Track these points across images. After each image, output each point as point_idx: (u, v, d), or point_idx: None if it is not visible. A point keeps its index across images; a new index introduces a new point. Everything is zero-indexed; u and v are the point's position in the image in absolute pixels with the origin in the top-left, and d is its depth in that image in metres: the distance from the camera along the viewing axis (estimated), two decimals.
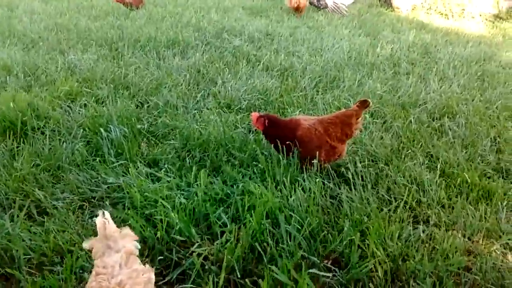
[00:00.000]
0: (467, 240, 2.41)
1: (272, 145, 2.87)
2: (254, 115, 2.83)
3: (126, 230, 1.78)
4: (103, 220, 1.69)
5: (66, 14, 6.71)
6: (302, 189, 2.61)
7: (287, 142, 2.78)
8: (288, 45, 5.45)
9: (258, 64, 4.72)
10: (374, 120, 3.61)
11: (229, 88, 4.05)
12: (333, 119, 2.90)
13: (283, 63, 4.75)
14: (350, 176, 2.80)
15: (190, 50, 5.18)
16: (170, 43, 5.33)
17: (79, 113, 3.54)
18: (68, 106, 3.66)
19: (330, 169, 2.89)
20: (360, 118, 2.93)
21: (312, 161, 2.77)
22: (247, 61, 4.83)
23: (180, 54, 5.03)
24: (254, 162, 2.90)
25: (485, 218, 2.56)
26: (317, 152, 2.75)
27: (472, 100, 4.04)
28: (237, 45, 5.32)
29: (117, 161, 2.90)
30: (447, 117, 3.71)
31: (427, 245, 2.34)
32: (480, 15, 7.68)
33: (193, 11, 7.19)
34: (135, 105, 3.76)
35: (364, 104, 2.91)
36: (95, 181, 2.72)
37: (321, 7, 7.59)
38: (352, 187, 2.71)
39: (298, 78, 4.37)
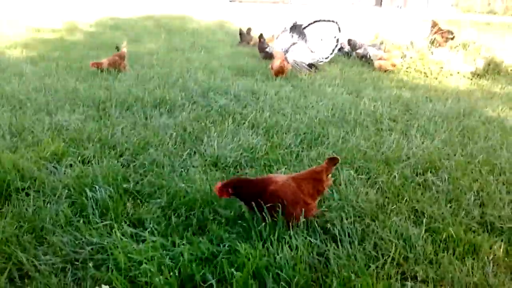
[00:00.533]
0: None
1: (246, 205, 2.87)
2: (217, 186, 2.81)
3: None
4: None
5: (54, 75, 6.82)
6: (289, 246, 2.60)
7: (259, 200, 2.77)
8: (273, 103, 5.57)
9: (244, 122, 4.80)
10: (359, 176, 3.65)
11: (215, 146, 4.09)
12: (304, 175, 2.94)
13: (269, 121, 4.84)
14: (337, 233, 2.80)
15: (177, 109, 5.26)
16: (157, 103, 5.42)
17: (64, 173, 3.53)
18: (53, 166, 3.65)
19: (317, 226, 2.89)
20: (330, 175, 2.98)
21: (290, 218, 2.77)
22: (233, 119, 4.92)
23: (167, 113, 5.10)
24: (240, 221, 2.89)
25: (472, 273, 2.55)
26: (294, 208, 2.77)
27: (454, 155, 4.13)
28: (223, 104, 5.43)
29: (102, 222, 2.87)
30: (430, 172, 3.76)
31: None
32: (458, 73, 7.96)
33: (180, 71, 7.37)
34: (121, 164, 3.76)
35: (333, 161, 2.95)
36: (78, 242, 2.68)
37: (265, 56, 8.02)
38: (339, 243, 2.70)
39: (283, 136, 4.45)
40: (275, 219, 2.77)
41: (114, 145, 4.12)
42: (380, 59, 8.05)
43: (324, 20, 8.10)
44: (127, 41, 9.23)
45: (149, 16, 19.24)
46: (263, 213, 2.77)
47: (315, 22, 8.04)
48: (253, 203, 2.78)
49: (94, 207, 3.02)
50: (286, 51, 7.84)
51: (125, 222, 2.90)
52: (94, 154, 3.89)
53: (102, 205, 3.06)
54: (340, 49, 9.31)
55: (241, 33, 11.23)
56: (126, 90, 5.92)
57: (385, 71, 7.87)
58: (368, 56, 8.70)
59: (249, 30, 11.36)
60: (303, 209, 2.80)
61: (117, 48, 9.29)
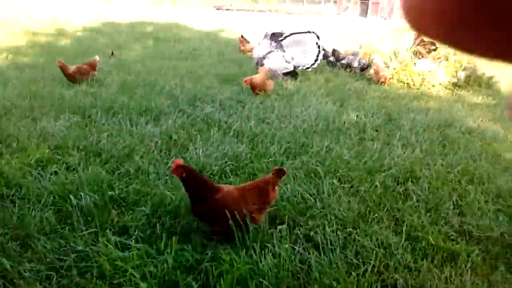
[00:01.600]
0: None
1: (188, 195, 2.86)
2: (177, 163, 2.77)
3: None
4: None
5: (40, 81, 6.80)
6: (272, 254, 2.65)
7: (203, 204, 2.79)
8: (259, 112, 5.63)
9: (229, 131, 4.85)
10: (342, 185, 3.72)
11: (201, 154, 4.13)
12: (250, 186, 2.95)
13: (254, 130, 4.89)
14: (319, 240, 2.85)
15: (163, 117, 5.29)
16: (143, 110, 5.44)
17: (49, 180, 3.53)
18: (38, 173, 3.66)
19: (300, 234, 2.94)
20: (276, 187, 2.99)
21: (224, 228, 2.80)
22: (218, 127, 4.96)
23: (152, 121, 5.13)
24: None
25: (450, 280, 2.62)
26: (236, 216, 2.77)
27: (434, 165, 4.22)
28: (209, 112, 5.47)
29: (87, 229, 2.89)
30: (411, 181, 3.84)
31: None
32: (440, 84, 8.11)
33: (167, 79, 7.40)
34: (107, 171, 3.78)
35: (280, 173, 2.96)
36: (63, 249, 2.70)
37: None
38: (322, 251, 2.76)
39: (268, 144, 4.50)
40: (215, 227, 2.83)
41: (99, 152, 4.13)
42: (382, 71, 8.10)
43: (302, 32, 8.19)
44: (114, 49, 9.27)
45: (137, 22, 19.26)
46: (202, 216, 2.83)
47: (291, 34, 8.13)
48: (192, 198, 2.81)
49: (79, 215, 3.03)
50: (263, 58, 7.93)
51: (110, 230, 2.92)
52: (79, 161, 3.90)
53: (87, 212, 3.08)
54: (326, 57, 9.44)
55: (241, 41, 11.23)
56: (111, 97, 5.93)
57: (382, 83, 7.94)
58: (353, 66, 8.86)
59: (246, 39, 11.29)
60: (245, 219, 2.79)
61: (112, 53, 9.32)
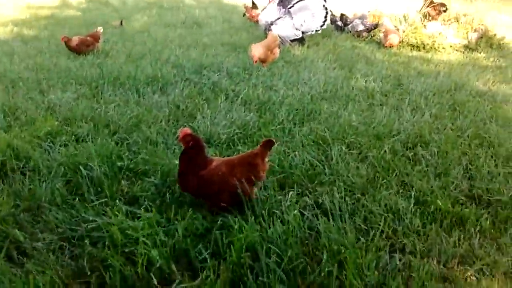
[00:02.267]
0: (442, 267, 2.47)
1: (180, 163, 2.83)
2: (185, 131, 2.74)
3: None
4: None
5: (46, 53, 6.78)
6: (281, 221, 2.66)
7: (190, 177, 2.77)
8: (266, 80, 5.58)
9: (237, 99, 4.82)
10: (350, 151, 3.71)
11: (208, 123, 4.12)
12: (239, 159, 2.88)
13: (261, 97, 4.86)
14: (328, 207, 2.86)
15: (170, 86, 5.26)
16: (150, 80, 5.41)
17: (59, 152, 3.56)
18: (48, 145, 3.68)
19: (308, 200, 2.96)
20: (266, 159, 2.89)
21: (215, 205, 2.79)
22: (225, 96, 4.94)
23: (159, 91, 5.11)
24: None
25: (459, 244, 2.64)
26: (220, 195, 2.76)
27: (444, 129, 4.18)
28: (216, 81, 5.43)
29: (97, 200, 2.92)
30: (420, 146, 3.82)
31: (403, 273, 2.39)
32: (451, 46, 7.96)
33: (173, 48, 7.33)
34: (115, 142, 3.79)
35: (268, 144, 2.86)
36: (74, 220, 2.73)
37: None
38: (330, 217, 2.77)
39: (275, 112, 4.47)
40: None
41: (107, 124, 4.14)
42: (389, 33, 7.94)
43: None
44: (119, 19, 9.18)
45: None
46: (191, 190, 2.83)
47: (299, 1, 7.94)
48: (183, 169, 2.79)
49: (89, 185, 3.06)
50: (271, 24, 7.80)
51: (120, 200, 2.95)
52: (88, 132, 3.92)
53: (97, 183, 3.10)
54: (333, 22, 9.28)
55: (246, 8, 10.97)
56: (118, 67, 5.90)
57: (391, 46, 7.81)
58: (358, 30, 8.73)
59: (254, 5, 10.99)
60: (232, 195, 2.76)
61: (121, 23, 9.23)
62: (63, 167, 3.29)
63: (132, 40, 8.03)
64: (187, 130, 2.77)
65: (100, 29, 7.08)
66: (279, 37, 7.50)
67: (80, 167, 3.22)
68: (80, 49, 6.72)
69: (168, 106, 4.60)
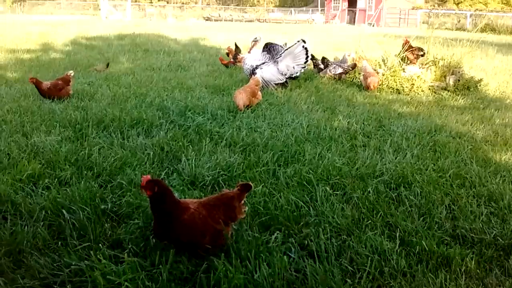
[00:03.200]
0: None
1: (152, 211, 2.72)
2: (146, 178, 2.61)
3: None
4: None
5: (30, 96, 6.77)
6: (267, 264, 2.64)
7: (166, 219, 2.66)
8: (250, 122, 5.64)
9: (221, 141, 4.85)
10: (335, 192, 3.73)
11: (193, 165, 4.13)
12: (215, 201, 2.82)
13: (245, 139, 4.90)
14: (314, 248, 2.86)
15: (154, 128, 5.29)
16: (134, 123, 5.43)
17: (41, 195, 3.51)
18: (30, 189, 3.63)
19: (294, 242, 2.95)
20: (243, 202, 2.89)
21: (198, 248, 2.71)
22: (210, 138, 4.97)
23: (144, 133, 5.12)
24: None
25: (445, 285, 2.63)
26: (203, 238, 2.69)
27: (426, 170, 4.24)
28: (201, 123, 5.47)
29: (80, 244, 2.87)
30: (403, 186, 3.87)
31: None
32: (429, 89, 8.19)
33: (157, 91, 7.41)
34: (99, 185, 3.76)
35: (245, 188, 2.87)
36: (57, 265, 2.67)
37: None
38: (316, 259, 2.76)
39: (260, 153, 4.50)
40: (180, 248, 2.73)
41: (91, 166, 4.12)
42: (369, 76, 8.11)
43: (292, 45, 8.21)
44: (104, 61, 9.28)
45: (126, 35, 19.28)
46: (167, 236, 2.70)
47: (285, 50, 8.16)
48: (157, 217, 2.67)
49: (72, 229, 3.01)
50: (256, 67, 7.96)
51: (104, 244, 2.90)
52: (71, 175, 3.89)
53: (80, 226, 3.06)
54: (316, 65, 9.51)
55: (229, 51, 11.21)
56: (102, 110, 5.92)
57: (369, 89, 7.97)
58: (337, 72, 8.97)
59: (237, 48, 11.17)
60: (214, 237, 2.72)
61: (107, 66, 9.31)
62: (45, 211, 3.24)
63: (117, 83, 8.09)
64: (147, 176, 2.65)
65: (71, 72, 6.86)
66: (264, 80, 7.66)
67: (63, 210, 3.18)
68: (51, 93, 6.52)
69: (152, 148, 4.61)
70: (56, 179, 3.82)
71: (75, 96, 6.76)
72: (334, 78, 9.01)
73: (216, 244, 2.75)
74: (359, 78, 8.75)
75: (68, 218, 3.10)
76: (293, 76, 8.17)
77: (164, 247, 2.83)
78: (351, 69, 9.08)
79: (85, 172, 3.98)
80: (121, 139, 4.88)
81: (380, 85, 8.19)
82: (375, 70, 8.57)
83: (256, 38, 8.57)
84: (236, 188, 2.89)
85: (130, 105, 6.29)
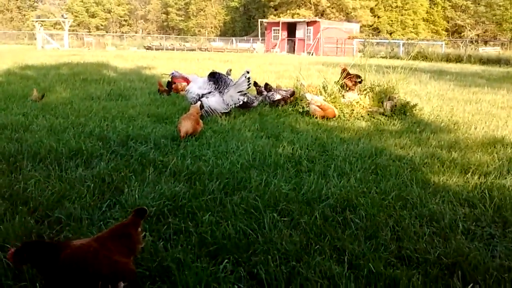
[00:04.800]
0: None
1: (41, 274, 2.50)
2: (10, 253, 2.38)
3: None
4: None
5: None
6: None
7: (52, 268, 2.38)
8: (194, 150, 5.57)
9: (165, 170, 4.75)
10: (282, 218, 3.72)
11: (136, 196, 4.00)
12: (109, 233, 2.65)
13: (190, 168, 4.82)
14: (263, 277, 2.81)
15: (94, 159, 5.10)
16: (73, 154, 5.21)
17: None
18: None
19: (243, 271, 2.89)
20: (140, 229, 2.74)
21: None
22: (154, 167, 4.85)
23: (83, 165, 4.92)
24: (165, 272, 2.81)
25: None
26: (97, 271, 2.41)
27: (369, 193, 4.33)
28: (143, 152, 5.34)
29: (15, 284, 2.67)
30: (349, 210, 3.92)
31: None
32: (368, 114, 8.47)
33: (97, 120, 7.20)
34: (35, 220, 3.55)
35: (140, 213, 2.74)
36: None
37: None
38: None
39: (206, 182, 4.44)
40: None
41: (26, 201, 3.88)
42: (320, 106, 8.18)
43: (239, 78, 8.27)
44: (38, 91, 8.94)
45: (64, 64, 18.76)
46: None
47: (234, 84, 8.20)
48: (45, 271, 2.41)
49: (6, 269, 2.80)
50: (202, 96, 7.93)
51: (41, 284, 2.71)
52: (4, 211, 3.65)
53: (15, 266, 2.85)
54: (259, 93, 9.61)
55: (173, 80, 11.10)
56: (38, 141, 5.66)
57: (322, 118, 8.07)
58: (275, 99, 9.14)
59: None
60: (113, 270, 2.46)
61: (42, 96, 8.95)
62: None
63: (53, 113, 7.78)
64: (11, 250, 2.40)
65: None
66: (210, 109, 7.66)
67: None
68: None
69: (93, 180, 4.43)
70: None
71: (8, 127, 6.42)
72: (271, 104, 9.11)
73: (118, 278, 2.49)
74: (301, 105, 8.90)
75: (2, 257, 2.88)
76: (237, 105, 8.18)
77: None
78: (289, 96, 9.25)
79: (20, 207, 3.75)
80: (59, 171, 4.66)
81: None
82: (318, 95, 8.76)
83: (173, 73, 8.56)
84: (130, 215, 2.73)
85: (68, 136, 6.05)
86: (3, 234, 3.20)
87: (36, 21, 47.37)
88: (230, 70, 9.56)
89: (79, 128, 6.63)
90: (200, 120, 6.58)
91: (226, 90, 8.09)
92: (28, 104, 8.66)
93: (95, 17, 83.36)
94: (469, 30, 62.91)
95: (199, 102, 7.57)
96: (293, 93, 9.31)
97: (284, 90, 9.46)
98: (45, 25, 50.22)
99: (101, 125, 6.82)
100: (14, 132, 6.26)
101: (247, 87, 8.12)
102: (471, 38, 46.20)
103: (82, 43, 52.37)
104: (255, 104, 8.74)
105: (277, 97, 9.19)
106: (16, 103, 8.76)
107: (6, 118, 7.17)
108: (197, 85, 8.30)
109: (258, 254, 3.13)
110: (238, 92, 8.09)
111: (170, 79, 10.93)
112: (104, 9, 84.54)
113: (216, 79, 8.29)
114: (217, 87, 8.16)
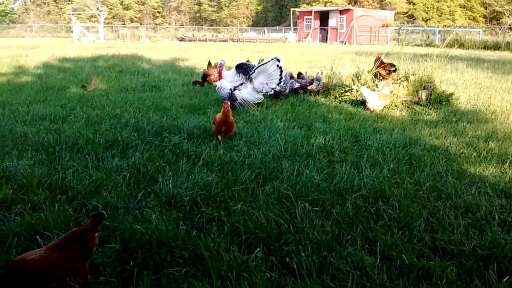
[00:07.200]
0: None
1: None
2: None
3: None
4: None
5: (1, 120, 6.63)
6: (248, 283, 2.60)
7: None
8: (227, 140, 5.62)
9: (198, 160, 4.81)
10: (314, 208, 3.72)
11: (170, 185, 4.07)
12: (67, 240, 2.62)
13: (223, 158, 4.87)
14: (295, 266, 2.83)
15: (130, 150, 5.22)
16: (109, 144, 5.35)
17: (14, 221, 3.41)
18: (2, 214, 3.52)
19: (275, 261, 2.91)
20: (97, 234, 2.74)
21: None
22: (187, 157, 4.92)
23: (119, 155, 5.04)
24: (198, 260, 2.87)
25: None
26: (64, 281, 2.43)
27: (403, 183, 4.28)
28: (177, 143, 5.43)
29: None
30: (381, 200, 3.88)
31: None
32: (402, 103, 8.32)
33: (132, 112, 7.34)
34: (73, 209, 3.67)
35: (98, 218, 2.73)
36: None
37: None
38: (298, 277, 2.73)
39: (238, 172, 4.48)
40: None
41: (65, 190, 4.02)
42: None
43: (265, 62, 8.25)
44: (76, 84, 9.16)
45: (99, 56, 19.15)
46: None
47: (258, 66, 8.20)
48: None
49: None
50: (235, 89, 7.94)
51: None
52: (44, 200, 3.78)
53: None
54: (291, 82, 9.58)
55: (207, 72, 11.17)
56: (76, 132, 5.83)
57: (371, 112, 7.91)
58: (294, 87, 9.15)
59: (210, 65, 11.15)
60: (75, 276, 2.47)
61: (84, 87, 9.17)
62: (19, 237, 3.14)
63: (90, 105, 7.99)
64: None
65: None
66: (244, 101, 7.69)
67: (37, 236, 3.08)
68: None
69: (128, 169, 4.54)
70: (29, 204, 3.71)
71: (47, 118, 6.63)
72: (291, 93, 9.08)
73: (83, 282, 2.52)
74: (334, 95, 8.83)
75: (42, 244, 3.00)
76: (268, 93, 8.18)
77: (141, 270, 2.77)
78: (309, 84, 9.20)
79: (59, 196, 3.89)
80: (96, 161, 4.79)
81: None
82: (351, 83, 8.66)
83: (221, 62, 8.52)
84: (88, 220, 2.73)
85: (105, 127, 6.21)
86: (43, 221, 3.33)
87: (73, 14, 48.39)
88: (262, 60, 9.55)
89: (115, 119, 6.78)
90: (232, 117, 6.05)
91: (254, 75, 8.07)
92: (66, 95, 8.91)
93: (129, 9, 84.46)
94: (508, 17, 60.59)
95: (238, 96, 7.66)
96: (311, 82, 9.25)
97: (303, 79, 9.41)
98: (81, 18, 51.23)
99: (136, 116, 6.96)
100: (53, 123, 6.46)
101: (279, 77, 8.07)
102: (510, 25, 44.49)
103: (117, 35, 53.24)
104: (287, 91, 8.73)
105: (296, 85, 9.16)
106: (55, 95, 9.02)
107: (45, 109, 7.40)
108: (228, 79, 8.33)
109: (289, 244, 3.15)
110: (270, 81, 8.06)
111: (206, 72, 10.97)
112: (138, 1, 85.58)
113: (244, 70, 8.30)
114: (247, 78, 8.18)
